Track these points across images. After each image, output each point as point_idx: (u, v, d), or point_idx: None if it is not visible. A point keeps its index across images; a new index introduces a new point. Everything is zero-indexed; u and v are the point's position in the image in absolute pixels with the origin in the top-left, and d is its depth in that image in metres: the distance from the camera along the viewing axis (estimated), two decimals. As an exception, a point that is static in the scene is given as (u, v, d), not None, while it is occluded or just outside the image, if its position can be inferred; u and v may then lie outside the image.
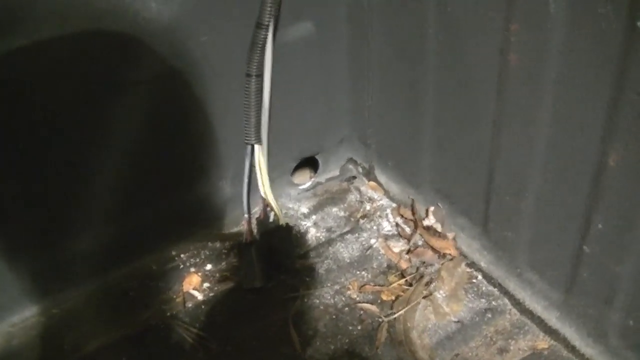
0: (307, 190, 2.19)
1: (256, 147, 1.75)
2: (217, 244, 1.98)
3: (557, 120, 1.38)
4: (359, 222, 2.05)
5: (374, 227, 2.02)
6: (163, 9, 1.59)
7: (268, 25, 1.62)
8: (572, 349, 1.60)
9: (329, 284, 1.84)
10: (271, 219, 1.90)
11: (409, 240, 1.94)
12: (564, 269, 1.54)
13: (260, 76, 1.68)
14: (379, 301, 1.78)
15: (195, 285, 1.86)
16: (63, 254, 1.76)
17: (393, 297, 1.79)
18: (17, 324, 1.77)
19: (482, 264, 1.81)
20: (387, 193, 2.12)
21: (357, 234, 2.00)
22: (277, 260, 1.89)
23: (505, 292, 1.76)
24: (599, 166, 1.32)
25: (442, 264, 1.85)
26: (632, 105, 1.21)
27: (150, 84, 1.67)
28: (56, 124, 1.59)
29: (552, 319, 1.64)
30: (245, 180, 1.81)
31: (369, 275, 1.86)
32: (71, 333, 1.75)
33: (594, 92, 1.27)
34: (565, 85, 1.32)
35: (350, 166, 2.24)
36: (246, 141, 1.74)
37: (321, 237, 2.01)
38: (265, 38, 1.64)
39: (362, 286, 1.83)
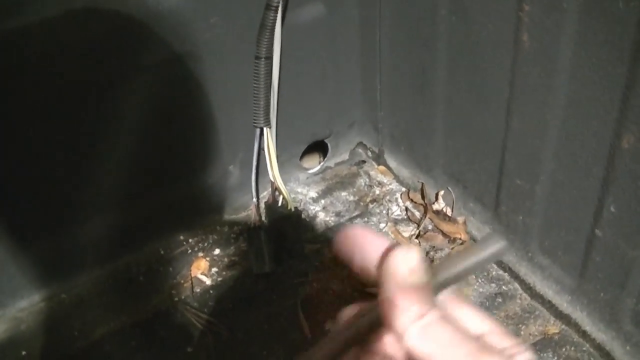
0: (316, 174, 2.18)
1: (265, 130, 1.74)
2: (226, 229, 1.97)
3: (570, 102, 1.36)
4: (368, 207, 2.04)
5: (384, 212, 2.01)
6: (171, -10, 1.58)
7: (277, 7, 1.61)
8: (584, 334, 1.59)
9: (338, 269, 1.83)
10: (280, 204, 1.89)
11: (418, 225, 1.93)
12: (576, 253, 1.53)
13: (269, 58, 1.67)
14: (389, 286, 1.77)
15: (203, 270, 1.86)
16: (72, 240, 1.76)
17: (402, 282, 1.77)
18: (25, 309, 1.77)
19: (493, 249, 1.79)
20: (396, 177, 2.11)
21: (366, 219, 1.99)
22: (285, 244, 1.88)
23: (516, 277, 1.75)
24: (612, 148, 1.31)
25: (452, 249, 1.84)
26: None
27: (158, 67, 1.67)
28: (63, 107, 1.58)
29: (564, 303, 1.63)
30: (254, 164, 1.80)
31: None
32: (80, 318, 1.75)
33: (609, 74, 1.26)
34: (579, 66, 1.31)
35: (360, 150, 2.24)
36: (255, 124, 1.74)
37: (330, 222, 2.00)
38: (275, 20, 1.62)
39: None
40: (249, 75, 1.70)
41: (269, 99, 1.72)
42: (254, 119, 1.73)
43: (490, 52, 1.53)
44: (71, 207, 1.73)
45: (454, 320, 0.55)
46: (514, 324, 1.65)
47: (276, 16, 1.62)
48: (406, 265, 0.56)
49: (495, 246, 0.56)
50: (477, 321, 0.59)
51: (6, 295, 1.74)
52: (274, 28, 1.64)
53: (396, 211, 2.02)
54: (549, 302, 1.66)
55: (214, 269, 1.86)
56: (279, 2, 1.60)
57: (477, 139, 1.70)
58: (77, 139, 1.63)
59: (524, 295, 1.72)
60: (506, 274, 1.77)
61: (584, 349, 1.59)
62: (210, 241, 1.94)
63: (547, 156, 1.49)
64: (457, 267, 0.57)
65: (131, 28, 1.57)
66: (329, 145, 2.17)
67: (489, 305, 1.70)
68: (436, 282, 0.56)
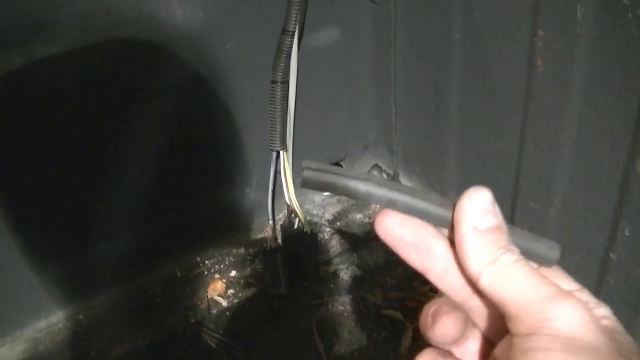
0: (331, 197, 2.18)
1: (281, 153, 1.75)
2: (242, 250, 1.98)
3: (584, 126, 1.37)
4: (383, 229, 2.04)
5: (399, 234, 2.01)
6: (188, 17, 1.59)
7: (294, 32, 1.62)
8: (599, 357, 1.59)
9: (353, 291, 1.84)
10: (296, 226, 1.89)
11: (434, 247, 1.93)
12: (590, 276, 1.53)
13: (285, 82, 1.68)
14: (404, 307, 1.78)
15: (219, 291, 1.87)
16: (89, 261, 1.77)
17: (418, 304, 1.78)
18: (43, 330, 1.78)
19: (508, 271, 1.79)
20: (412, 199, 2.11)
21: (381, 241, 1.99)
22: (301, 266, 1.89)
23: (531, 299, 1.74)
24: (626, 172, 1.31)
25: (467, 271, 1.83)
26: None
27: (175, 91, 1.68)
28: (81, 132, 1.60)
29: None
30: (270, 186, 1.80)
31: (394, 282, 1.86)
32: (97, 338, 1.76)
33: (622, 98, 1.26)
34: (593, 90, 1.31)
35: (375, 172, 2.24)
36: (271, 148, 1.74)
37: (346, 244, 2.00)
38: (291, 44, 1.64)
39: (386, 292, 1.82)
40: (265, 98, 1.71)
41: (285, 122, 1.73)
42: (270, 143, 1.74)
43: (504, 76, 1.53)
44: (88, 229, 1.74)
45: (529, 264, 0.53)
46: (529, 347, 1.65)
47: (292, 41, 1.63)
48: (480, 205, 0.55)
49: (549, 251, 0.56)
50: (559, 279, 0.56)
51: (25, 316, 1.76)
52: (290, 52, 1.65)
53: (411, 233, 2.02)
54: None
55: (230, 291, 1.87)
56: (295, 27, 1.61)
57: (491, 161, 1.70)
58: (94, 161, 1.65)
59: (539, 317, 1.72)
60: (521, 296, 1.77)
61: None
62: (227, 263, 1.95)
63: (560, 179, 1.49)
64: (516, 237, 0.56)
65: (149, 53, 1.59)
66: (344, 167, 2.18)
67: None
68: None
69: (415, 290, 1.82)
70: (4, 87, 1.44)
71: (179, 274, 1.92)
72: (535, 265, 0.55)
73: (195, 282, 1.90)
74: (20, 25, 1.41)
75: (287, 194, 1.80)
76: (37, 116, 1.52)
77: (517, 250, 0.54)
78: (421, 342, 1.52)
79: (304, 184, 0.55)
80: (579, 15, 1.27)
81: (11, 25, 1.40)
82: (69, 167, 1.62)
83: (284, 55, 1.64)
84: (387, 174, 2.20)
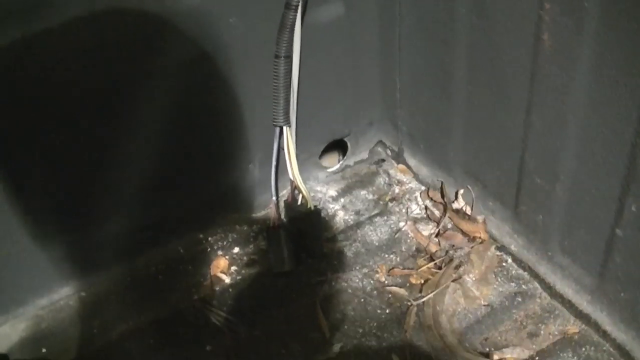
0: (335, 173, 2.18)
1: (285, 129, 1.74)
2: (245, 228, 1.98)
3: (591, 101, 1.36)
4: (387, 205, 2.04)
5: (403, 210, 2.01)
6: (191, -10, 1.58)
7: (297, 6, 1.60)
8: (604, 333, 1.58)
9: (357, 268, 1.83)
10: (299, 202, 1.89)
11: (438, 224, 1.93)
12: (596, 253, 1.52)
13: (289, 57, 1.67)
14: (408, 285, 1.77)
15: (223, 268, 1.86)
16: (92, 238, 1.77)
17: (422, 281, 1.78)
18: (46, 307, 1.78)
19: (513, 248, 1.79)
20: (416, 176, 2.11)
21: (385, 217, 1.99)
22: (305, 243, 1.88)
23: (536, 276, 1.74)
24: (633, 147, 1.30)
25: (472, 248, 1.83)
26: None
27: (177, 67, 1.67)
28: (82, 108, 1.59)
29: (584, 303, 1.62)
30: (274, 163, 1.80)
31: (398, 259, 1.85)
32: (100, 316, 1.76)
33: (629, 73, 1.25)
34: (600, 65, 1.30)
35: (380, 149, 2.23)
36: (274, 123, 1.73)
37: (349, 220, 2.00)
38: (295, 19, 1.62)
39: (390, 270, 1.82)
40: (269, 74, 1.69)
41: (289, 98, 1.72)
42: (274, 118, 1.73)
43: (510, 50, 1.52)
44: (91, 206, 1.73)
45: None
46: (534, 324, 1.64)
47: (296, 15, 1.62)
48: None
49: None
50: None
51: (27, 294, 1.75)
52: (294, 27, 1.64)
53: (416, 210, 2.01)
54: (569, 301, 1.65)
55: (234, 268, 1.86)
56: (298, 2, 1.60)
57: (497, 137, 1.69)
58: (97, 138, 1.64)
59: (544, 294, 1.72)
60: (526, 273, 1.76)
61: (604, 348, 1.57)
62: (230, 240, 1.94)
63: (567, 155, 1.48)
64: None
65: (150, 30, 1.58)
66: (348, 143, 2.17)
67: (509, 304, 1.70)
68: None
69: (419, 267, 1.82)
70: (3, 63, 1.43)
71: (182, 251, 1.91)
72: None
73: (198, 259, 1.90)
74: (19, 0, 1.40)
75: (291, 170, 1.79)
76: (38, 92, 1.51)
77: None
78: (425, 320, 1.53)
79: None
80: (586, -12, 1.25)
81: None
82: (69, 144, 1.61)
83: (287, 30, 1.63)
84: (392, 151, 2.19)
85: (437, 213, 1.97)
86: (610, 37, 1.26)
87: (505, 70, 1.56)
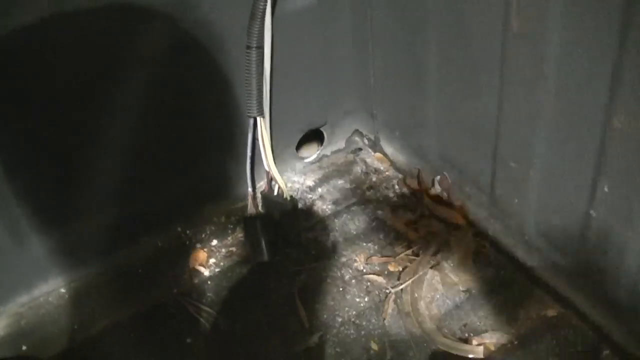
0: (312, 163, 2.18)
1: (259, 120, 1.74)
2: (223, 219, 1.98)
3: (561, 85, 1.36)
4: (365, 194, 2.04)
5: (381, 199, 2.02)
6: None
7: (267, -5, 1.61)
8: (582, 316, 1.59)
9: (335, 257, 1.84)
10: (276, 193, 1.89)
11: (415, 211, 1.93)
12: (571, 235, 1.53)
13: (260, 48, 1.67)
14: (386, 272, 1.78)
15: (201, 261, 1.86)
16: (71, 234, 1.77)
17: (400, 268, 1.78)
18: (26, 304, 1.77)
19: (490, 233, 1.80)
20: (393, 164, 2.11)
21: (363, 206, 2.00)
22: (282, 233, 1.88)
23: (513, 260, 1.74)
24: (603, 129, 1.30)
25: (450, 234, 1.83)
26: (636, 64, 1.19)
27: (150, 59, 1.67)
28: (60, 102, 1.58)
29: (561, 286, 1.63)
30: (249, 154, 1.80)
31: (376, 247, 1.86)
32: (80, 312, 1.76)
33: (597, 55, 1.25)
34: (568, 50, 1.31)
35: (356, 138, 2.24)
36: (248, 114, 1.74)
37: (327, 210, 2.00)
38: (265, 8, 1.62)
39: (368, 258, 1.82)
40: (241, 65, 1.69)
41: (262, 88, 1.72)
42: (248, 109, 1.73)
43: (480, 38, 1.53)
44: (68, 202, 1.73)
45: None
46: (513, 308, 1.65)
47: (266, 5, 1.62)
48: None
49: None
50: None
51: (6, 291, 1.75)
52: (264, 17, 1.64)
53: (393, 197, 2.02)
54: (547, 284, 1.66)
55: (212, 260, 1.86)
56: (268, -9, 1.60)
57: (470, 124, 1.69)
58: (72, 133, 1.63)
59: (522, 278, 1.72)
60: (503, 257, 1.77)
61: (583, 331, 1.58)
62: (208, 232, 1.94)
63: (539, 140, 1.48)
64: None
65: (123, 21, 1.57)
66: (325, 133, 2.17)
67: (487, 289, 1.70)
68: None
69: (397, 254, 1.82)
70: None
71: (160, 245, 1.91)
72: None
73: (177, 252, 1.90)
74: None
75: (266, 160, 1.80)
76: (17, 84, 1.51)
77: None
78: (403, 307, 1.53)
79: None
80: (553, -28, 1.26)
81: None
82: (47, 138, 1.60)
83: (258, 20, 1.63)
84: (369, 139, 2.19)
85: (414, 200, 1.97)
86: (576, 21, 1.27)
87: (475, 57, 1.57)
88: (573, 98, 1.35)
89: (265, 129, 1.76)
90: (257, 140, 1.77)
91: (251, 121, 1.75)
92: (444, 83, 1.72)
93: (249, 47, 1.66)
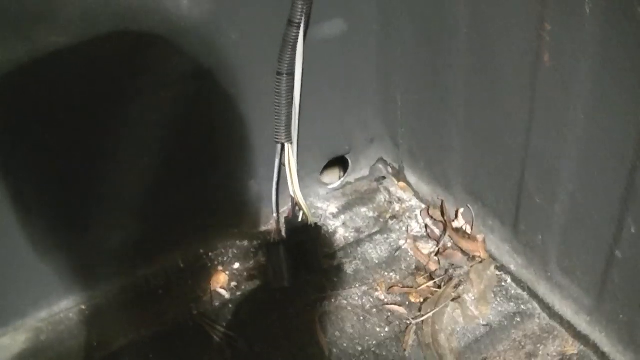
0: (336, 189, 2.18)
1: (286, 145, 1.75)
2: (245, 243, 1.98)
3: (590, 121, 1.36)
4: (387, 223, 2.04)
5: (403, 228, 2.02)
6: (194, 7, 1.59)
7: (300, 23, 1.61)
8: (602, 355, 1.58)
9: (356, 285, 1.83)
10: (300, 219, 1.89)
11: (438, 242, 1.93)
12: (595, 274, 1.52)
13: (291, 74, 1.68)
14: (407, 303, 1.77)
15: (222, 283, 1.86)
16: (93, 251, 1.77)
17: (421, 299, 1.78)
18: (45, 320, 1.78)
19: (512, 267, 1.79)
20: (416, 194, 2.11)
21: (385, 235, 2.00)
22: (305, 260, 1.88)
23: (535, 296, 1.74)
24: (633, 168, 1.30)
25: (471, 267, 1.83)
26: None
27: (180, 82, 1.68)
28: (86, 121, 1.59)
29: (582, 324, 1.62)
30: (275, 179, 1.80)
31: (398, 277, 1.86)
32: (99, 329, 1.76)
33: (630, 94, 1.25)
34: (600, 86, 1.30)
35: (380, 166, 2.24)
36: (276, 140, 1.74)
37: (350, 237, 2.00)
38: (297, 36, 1.63)
39: (390, 287, 1.82)
40: (270, 90, 1.70)
41: (291, 114, 1.72)
42: (276, 135, 1.73)
43: (510, 70, 1.53)
44: (91, 220, 1.74)
45: None
46: (532, 344, 1.64)
47: (298, 32, 1.63)
48: None
49: None
50: None
51: (27, 306, 1.76)
52: (296, 44, 1.64)
53: (416, 228, 2.02)
54: (568, 322, 1.65)
55: (233, 283, 1.87)
56: (301, 19, 1.61)
57: (497, 157, 1.69)
58: (97, 152, 1.64)
59: (543, 314, 1.72)
60: (525, 293, 1.76)
61: (602, 370, 1.58)
62: (230, 255, 1.94)
63: (566, 175, 1.48)
64: None
65: (155, 44, 1.58)
66: (349, 160, 2.17)
67: (508, 324, 1.70)
68: None
69: (419, 285, 1.82)
70: (8, 76, 1.44)
71: (182, 266, 1.92)
72: None
73: (198, 274, 1.90)
74: (25, 15, 1.41)
75: (292, 186, 1.80)
76: (40, 105, 1.52)
77: None
78: (424, 338, 1.52)
79: None
80: (587, 10, 1.26)
81: (15, 14, 1.40)
82: (72, 156, 1.61)
83: (290, 47, 1.64)
84: (393, 168, 2.19)
85: (437, 231, 1.97)
86: (610, 58, 1.26)
87: (505, 89, 1.57)
88: (602, 135, 1.35)
89: (293, 154, 1.76)
90: (284, 165, 1.78)
91: (279, 146, 1.75)
92: (470, 114, 1.72)
93: (279, 74, 1.67)
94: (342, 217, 2.08)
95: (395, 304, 1.77)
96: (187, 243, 1.94)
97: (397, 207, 2.10)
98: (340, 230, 2.02)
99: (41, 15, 1.42)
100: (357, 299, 1.79)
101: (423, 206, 2.08)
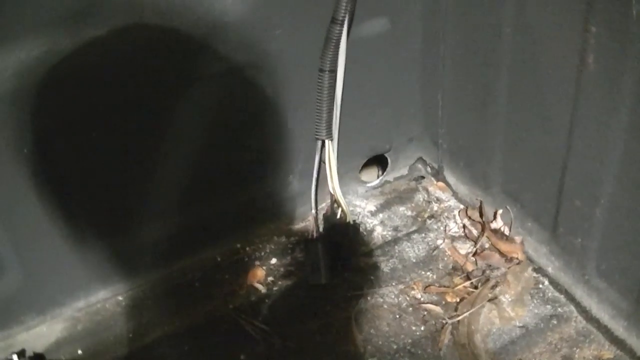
0: (374, 188, 2.19)
1: (327, 142, 1.75)
2: (283, 239, 1.99)
3: (633, 125, 1.35)
4: (425, 222, 2.04)
5: (441, 228, 2.01)
6: (237, 2, 1.59)
7: (343, 21, 1.61)
8: (638, 360, 1.58)
9: (393, 283, 1.83)
10: (338, 216, 1.90)
11: (475, 243, 1.93)
12: (633, 278, 1.52)
13: (333, 72, 1.68)
14: (444, 302, 1.77)
15: (259, 278, 1.87)
16: (130, 243, 1.79)
17: (458, 299, 1.77)
18: (82, 309, 1.80)
19: (549, 270, 1.78)
20: (455, 194, 2.11)
21: (423, 234, 1.99)
22: (342, 257, 1.88)
23: (572, 299, 1.73)
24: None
25: (509, 268, 1.83)
26: None
27: (222, 77, 1.68)
28: (128, 114, 1.61)
29: (619, 328, 1.61)
30: (315, 175, 1.80)
31: (434, 276, 1.85)
32: (135, 320, 1.78)
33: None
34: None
35: (419, 165, 2.24)
36: (317, 136, 1.74)
37: (387, 236, 2.00)
38: (340, 33, 1.63)
39: (426, 287, 1.82)
40: (311, 87, 1.71)
41: (332, 111, 1.73)
42: (316, 131, 1.74)
43: (554, 72, 1.52)
44: (131, 211, 1.75)
45: None
46: (568, 347, 1.64)
47: (341, 30, 1.63)
48: None
49: None
50: None
51: (64, 295, 1.77)
52: (339, 42, 1.65)
53: (454, 228, 2.01)
54: (605, 326, 1.64)
55: (270, 278, 1.87)
56: (344, 17, 1.61)
57: (537, 158, 1.69)
58: (139, 144, 1.66)
59: (579, 318, 1.71)
60: (562, 295, 1.76)
61: (639, 375, 1.57)
62: (267, 250, 1.95)
63: (607, 179, 1.47)
64: None
65: (197, 38, 1.59)
66: (388, 159, 2.17)
67: (544, 326, 1.69)
68: None
69: (456, 285, 1.81)
70: (51, 68, 1.45)
71: (219, 260, 1.93)
72: None
73: (235, 268, 1.91)
74: (67, 7, 1.42)
75: (331, 183, 1.80)
76: (83, 98, 1.53)
77: None
78: (459, 338, 1.52)
79: None
80: (634, 12, 1.25)
81: (58, 6, 1.41)
82: (114, 148, 1.63)
83: (333, 44, 1.64)
84: (432, 168, 2.19)
85: (474, 232, 1.97)
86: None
87: (547, 92, 1.56)
88: (646, 138, 1.34)
89: (333, 152, 1.76)
90: (323, 162, 1.78)
91: (319, 143, 1.75)
92: (513, 115, 1.72)
93: (321, 71, 1.67)
94: (380, 215, 2.08)
95: (431, 303, 1.77)
96: (225, 237, 1.95)
97: (435, 206, 2.10)
98: (378, 228, 2.03)
99: (83, 8, 1.44)
100: (393, 297, 1.80)
101: (461, 206, 2.07)
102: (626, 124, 1.37)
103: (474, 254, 1.90)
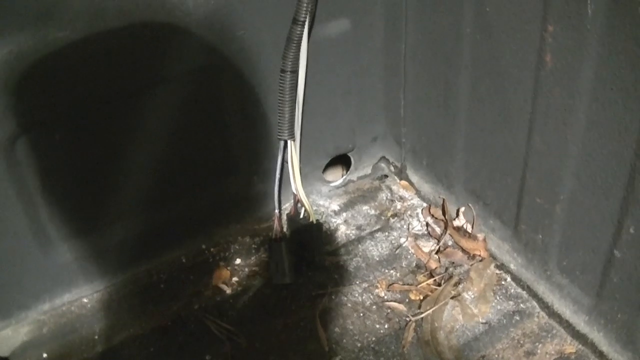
0: (338, 187, 2.19)
1: (289, 142, 1.75)
2: (247, 239, 1.99)
3: (591, 122, 1.37)
4: (389, 221, 2.05)
5: (404, 226, 2.02)
6: (199, 3, 1.60)
7: (304, 21, 1.62)
8: (600, 354, 1.59)
9: (357, 282, 1.84)
10: (302, 216, 1.90)
11: (438, 240, 1.94)
12: (594, 274, 1.53)
13: (295, 72, 1.68)
14: (407, 300, 1.78)
15: (224, 279, 1.87)
16: (96, 244, 1.78)
17: (421, 297, 1.79)
18: (47, 312, 1.79)
19: (512, 266, 1.80)
20: (418, 192, 2.12)
21: (387, 233, 2.00)
22: (306, 256, 1.89)
23: (534, 295, 1.75)
24: (632, 169, 1.31)
25: (472, 265, 1.84)
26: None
27: (185, 78, 1.69)
28: (91, 116, 1.60)
29: (581, 323, 1.63)
30: (277, 176, 1.81)
31: (398, 274, 1.87)
32: (101, 322, 1.77)
33: (630, 95, 1.26)
34: (602, 87, 1.32)
35: (383, 165, 2.25)
36: (279, 137, 1.75)
37: (351, 235, 2.01)
38: (301, 34, 1.64)
39: (390, 285, 1.83)
40: (274, 87, 1.71)
41: (294, 112, 1.73)
42: (279, 132, 1.74)
43: (513, 71, 1.54)
44: (95, 213, 1.75)
45: None
46: (531, 342, 1.65)
47: (303, 30, 1.63)
48: None
49: None
50: None
51: (29, 298, 1.77)
52: (301, 42, 1.65)
53: (417, 226, 2.03)
54: (567, 321, 1.66)
55: (235, 279, 1.88)
56: (305, 17, 1.61)
57: (498, 156, 1.70)
58: (102, 146, 1.65)
59: (542, 313, 1.72)
60: (524, 292, 1.77)
61: (601, 369, 1.59)
62: (232, 251, 1.95)
63: (567, 175, 1.49)
64: None
65: (159, 39, 1.59)
66: (352, 158, 2.18)
67: (507, 322, 1.71)
68: None
69: (419, 283, 1.83)
70: (15, 69, 1.45)
71: (184, 260, 1.93)
72: None
73: (200, 269, 1.91)
74: (31, 8, 1.42)
75: (294, 183, 1.80)
76: (45, 99, 1.53)
77: None
78: (423, 336, 1.53)
79: None
80: (589, 11, 1.27)
81: (22, 7, 1.41)
82: (76, 150, 1.62)
83: (294, 45, 1.65)
84: (395, 167, 2.20)
85: (438, 230, 1.98)
86: (611, 59, 1.27)
87: (507, 90, 1.58)
88: (602, 137, 1.36)
89: (295, 151, 1.77)
90: (286, 162, 1.78)
91: (281, 143, 1.76)
92: (474, 114, 1.73)
93: (283, 71, 1.67)
94: (344, 214, 2.09)
95: (395, 301, 1.78)
96: (190, 238, 1.95)
97: (398, 205, 2.11)
98: (342, 227, 2.03)
99: (47, 9, 1.44)
100: (357, 295, 1.80)
101: (424, 205, 2.08)
102: (583, 121, 1.38)
103: (437, 252, 1.91)
